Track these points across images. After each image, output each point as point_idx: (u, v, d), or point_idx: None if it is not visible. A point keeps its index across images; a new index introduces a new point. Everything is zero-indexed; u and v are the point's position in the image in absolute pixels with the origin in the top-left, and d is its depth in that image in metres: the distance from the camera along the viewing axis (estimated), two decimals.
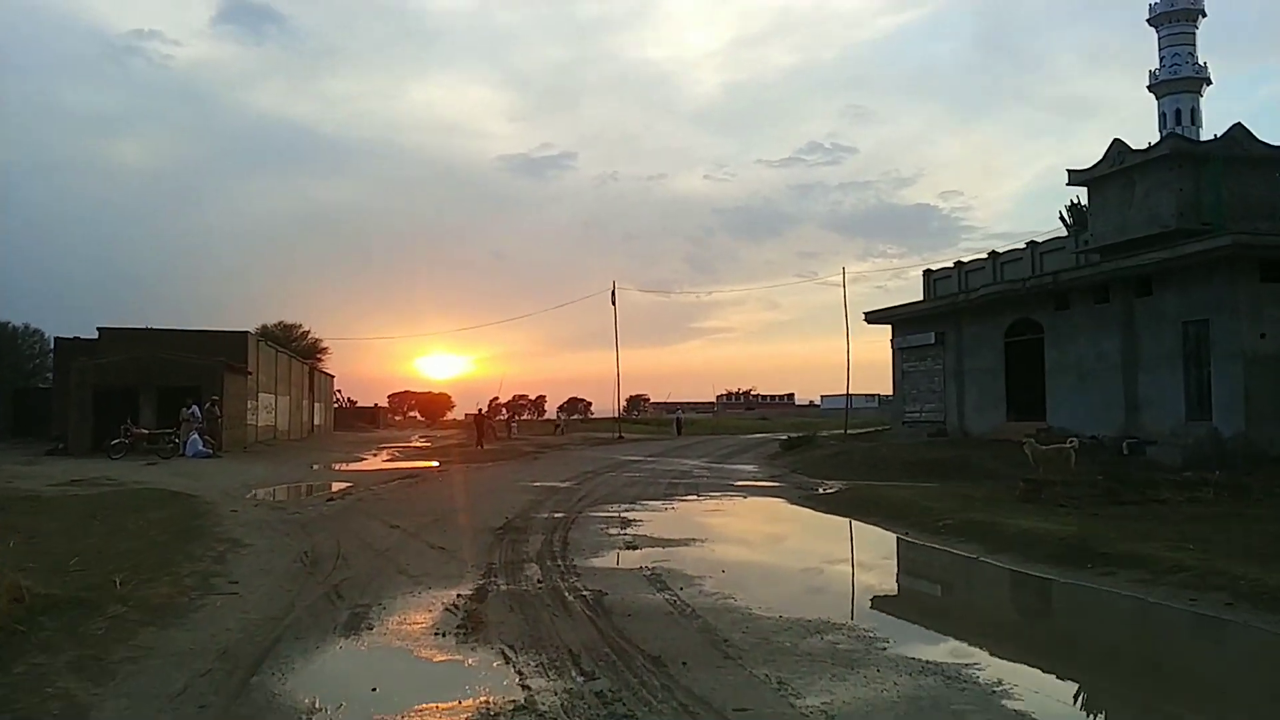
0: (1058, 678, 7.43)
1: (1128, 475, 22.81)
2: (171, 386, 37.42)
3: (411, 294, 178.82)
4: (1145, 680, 7.49)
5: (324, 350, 77.75)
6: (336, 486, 23.94)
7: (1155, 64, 39.03)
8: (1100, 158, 31.35)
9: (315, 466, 34.13)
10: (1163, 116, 37.17)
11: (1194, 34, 39.05)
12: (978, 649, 7.93)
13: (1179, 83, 37.81)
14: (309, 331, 75.94)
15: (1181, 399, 26.44)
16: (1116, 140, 30.96)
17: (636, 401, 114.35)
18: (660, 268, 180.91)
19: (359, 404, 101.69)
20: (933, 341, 37.13)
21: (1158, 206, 29.30)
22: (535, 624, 8.28)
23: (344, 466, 35.61)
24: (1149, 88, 38.90)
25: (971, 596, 11.71)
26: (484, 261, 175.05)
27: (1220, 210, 28.34)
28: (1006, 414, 33.56)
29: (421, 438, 63.23)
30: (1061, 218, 46.11)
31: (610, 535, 14.27)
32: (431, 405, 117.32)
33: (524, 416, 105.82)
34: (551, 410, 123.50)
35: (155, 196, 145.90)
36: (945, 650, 7.77)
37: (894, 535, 14.74)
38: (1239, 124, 28.90)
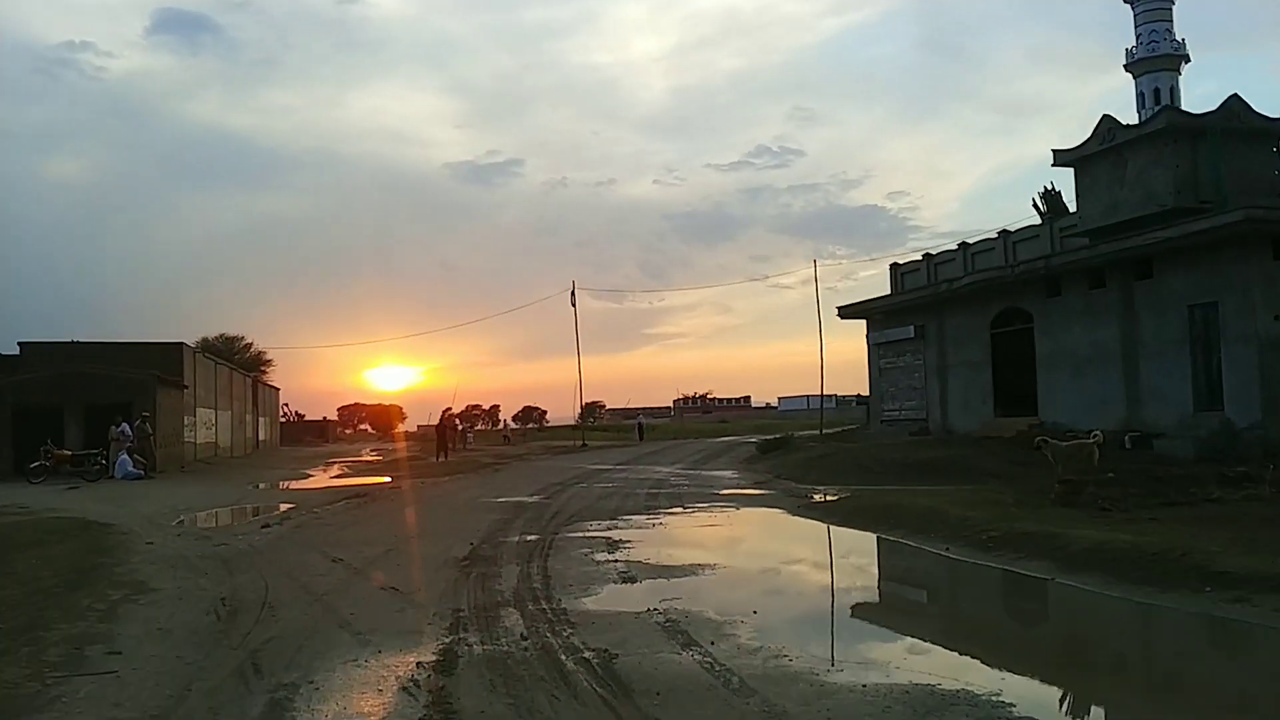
0: None
1: (1146, 472, 20.88)
2: (99, 403, 34.37)
3: (360, 305, 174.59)
4: None
5: (268, 363, 74.32)
6: (275, 509, 21.24)
7: (1131, 41, 37.63)
8: (1088, 136, 29.47)
9: (256, 486, 31.28)
10: (1140, 96, 35.53)
11: (1170, 10, 37.60)
12: None
13: (1158, 60, 36.24)
14: (252, 344, 72.54)
15: (1189, 388, 24.52)
16: (1106, 116, 29.11)
17: (593, 408, 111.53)
18: (612, 274, 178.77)
19: (307, 418, 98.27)
20: (912, 335, 35.06)
21: (1153, 184, 27.42)
22: (530, 714, 5.82)
23: (287, 485, 32.78)
24: (1126, 66, 37.33)
25: (1102, 639, 8.59)
26: (433, 270, 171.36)
27: (1220, 186, 26.54)
28: (994, 409, 31.54)
29: (373, 451, 60.22)
30: (1035, 205, 44.50)
31: (599, 563, 11.80)
32: (382, 417, 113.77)
33: (479, 426, 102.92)
34: (507, 419, 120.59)
35: (92, 212, 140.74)
36: None
37: (934, 552, 12.40)
38: (1235, 95, 27.12)
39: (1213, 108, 27.71)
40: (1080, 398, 28.01)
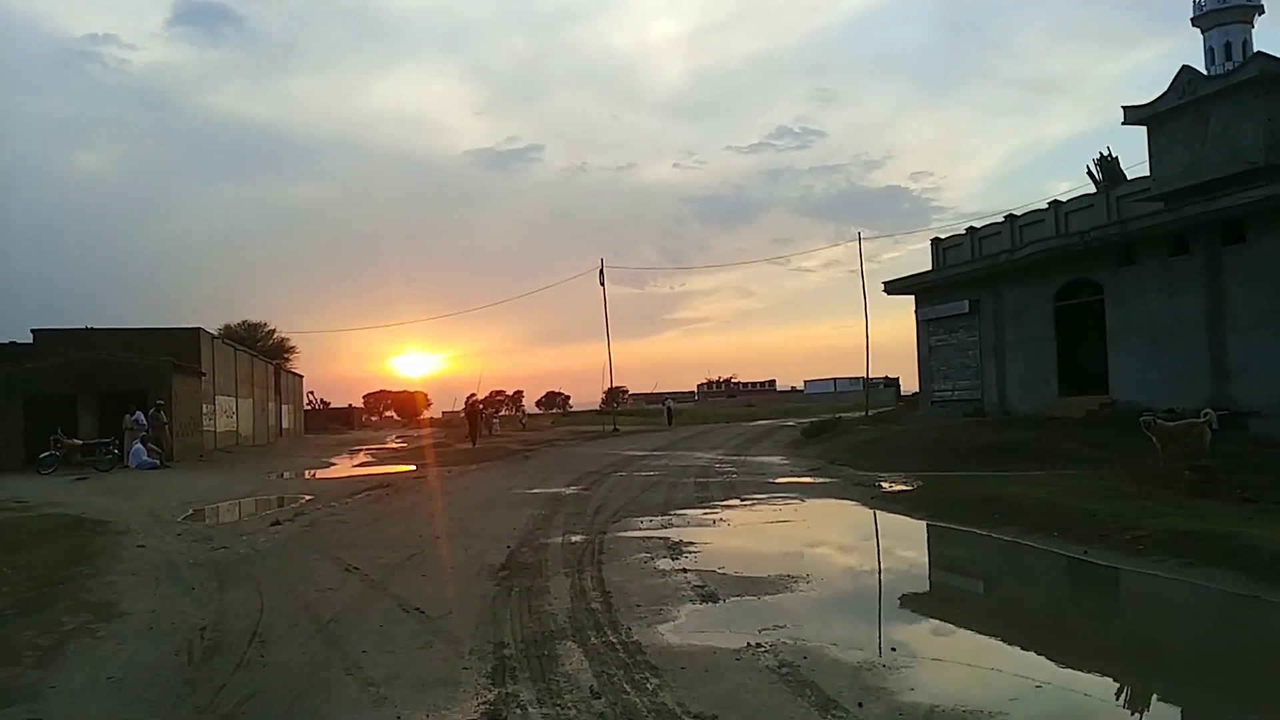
0: None
1: (1245, 455, 18.65)
2: (113, 391, 32.60)
3: (381, 292, 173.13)
4: None
5: (291, 350, 72.62)
6: (290, 502, 19.24)
7: None
8: (1165, 90, 26.94)
9: (274, 476, 29.38)
10: (1209, 51, 32.66)
11: None
12: None
13: (1229, 12, 33.54)
14: (274, 330, 70.74)
15: None
16: (1186, 67, 26.56)
17: (615, 393, 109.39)
18: (632, 259, 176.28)
19: (332, 405, 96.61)
20: (966, 310, 32.66)
21: (1240, 140, 24.86)
22: None
23: (307, 474, 30.88)
24: (1193, 20, 34.55)
25: None
26: (454, 257, 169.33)
27: None
28: (1059, 388, 29.15)
29: (398, 438, 58.37)
30: (1089, 172, 41.67)
31: (664, 573, 9.63)
32: (408, 404, 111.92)
33: (502, 413, 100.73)
34: (521, 405, 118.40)
35: (117, 203, 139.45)
36: None
37: (1073, 557, 10.15)
38: None
39: None
40: (1157, 374, 25.61)
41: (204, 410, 40.01)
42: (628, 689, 5.72)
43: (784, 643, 6.68)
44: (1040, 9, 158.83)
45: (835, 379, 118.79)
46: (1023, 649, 7.13)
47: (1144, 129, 27.57)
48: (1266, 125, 24.27)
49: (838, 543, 12.14)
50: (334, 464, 36.10)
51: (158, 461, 29.26)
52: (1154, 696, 6.11)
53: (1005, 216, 36.52)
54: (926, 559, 11.76)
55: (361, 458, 39.06)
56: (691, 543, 11.50)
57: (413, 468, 29.22)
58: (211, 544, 12.65)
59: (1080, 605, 9.21)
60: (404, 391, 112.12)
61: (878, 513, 14.47)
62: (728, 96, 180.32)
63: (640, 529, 13.00)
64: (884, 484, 17.97)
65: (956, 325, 33.57)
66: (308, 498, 20.24)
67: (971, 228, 38.41)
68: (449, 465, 28.23)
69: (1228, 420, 23.35)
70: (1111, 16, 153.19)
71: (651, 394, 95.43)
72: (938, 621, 7.99)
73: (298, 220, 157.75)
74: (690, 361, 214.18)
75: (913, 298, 36.64)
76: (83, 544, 12.93)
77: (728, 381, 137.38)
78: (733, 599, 8.33)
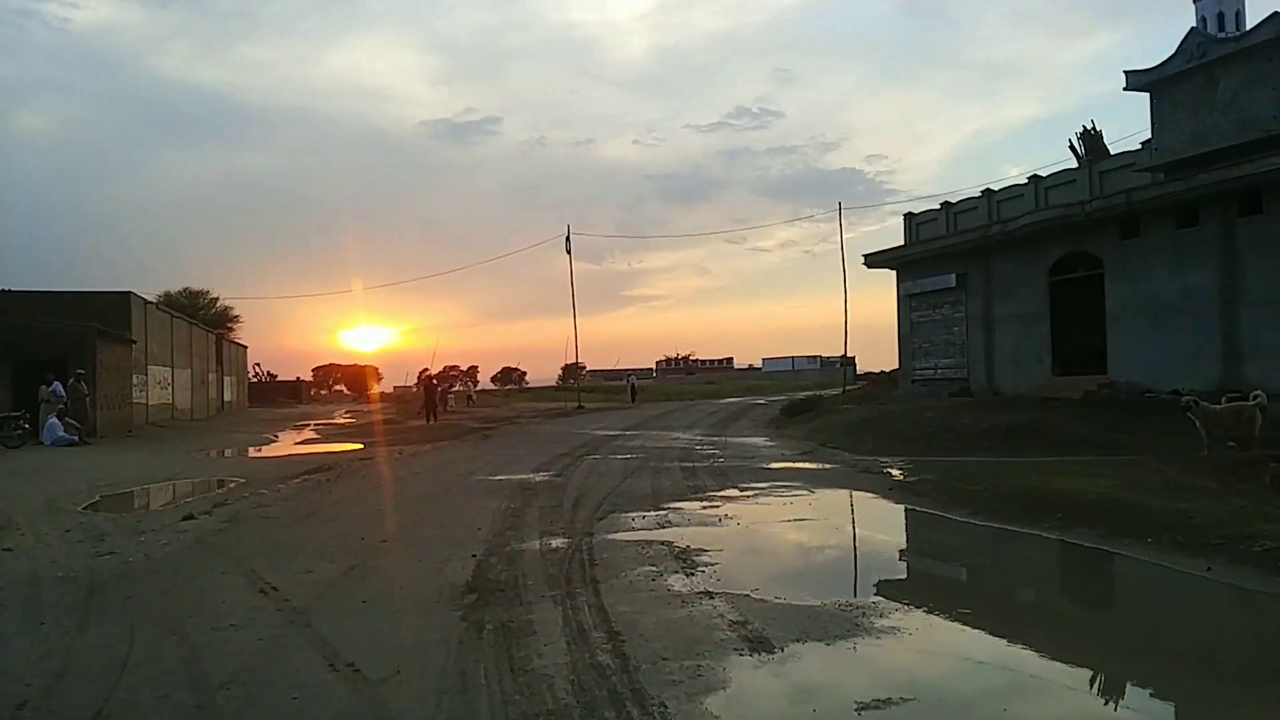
0: None
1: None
2: (30, 360, 29.44)
3: (336, 263, 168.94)
4: None
5: (236, 319, 69.06)
6: (215, 488, 16.57)
7: None
8: (1171, 53, 24.89)
9: (207, 454, 26.55)
10: (1201, 21, 30.72)
11: None
12: None
13: None
14: (218, 299, 67.09)
15: None
16: (1194, 29, 24.53)
17: (572, 369, 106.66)
18: (592, 234, 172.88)
19: (280, 378, 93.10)
20: (953, 285, 30.55)
21: (1251, 107, 22.86)
22: None
23: (243, 453, 28.11)
24: None
25: None
26: (410, 228, 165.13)
27: None
28: (1053, 367, 27.16)
29: (346, 413, 55.37)
30: (1071, 147, 40.02)
31: (683, 600, 7.17)
32: (358, 378, 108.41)
33: (457, 388, 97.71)
34: (485, 380, 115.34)
35: (57, 166, 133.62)
36: None
37: (1196, 576, 7.87)
38: None
39: None
40: (1162, 353, 23.66)
41: (134, 381, 36.85)
42: None
43: None
44: None
45: (793, 357, 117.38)
46: None
47: (1129, 104, 25.52)
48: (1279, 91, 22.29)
49: (882, 551, 9.79)
50: (275, 441, 33.30)
51: (76, 438, 26.23)
52: None
53: (982, 191, 34.36)
54: (1010, 576, 9.22)
55: (305, 434, 36.24)
56: (702, 550, 9.08)
57: (360, 446, 26.54)
58: (100, 546, 10.00)
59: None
60: (355, 365, 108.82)
61: (906, 508, 12.16)
62: (689, 74, 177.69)
63: (633, 529, 10.58)
64: (892, 471, 15.72)
65: (942, 300, 31.48)
66: (236, 482, 17.59)
67: (946, 202, 36.24)
68: (401, 445, 25.59)
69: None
70: (1067, 4, 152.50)
71: (612, 370, 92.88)
72: (1079, 669, 5.63)
73: (248, 189, 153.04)
74: (648, 338, 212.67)
75: (889, 273, 34.57)
76: None
77: (686, 359, 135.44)
78: (792, 644, 5.93)
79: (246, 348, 71.05)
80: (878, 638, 6.14)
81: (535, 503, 12.83)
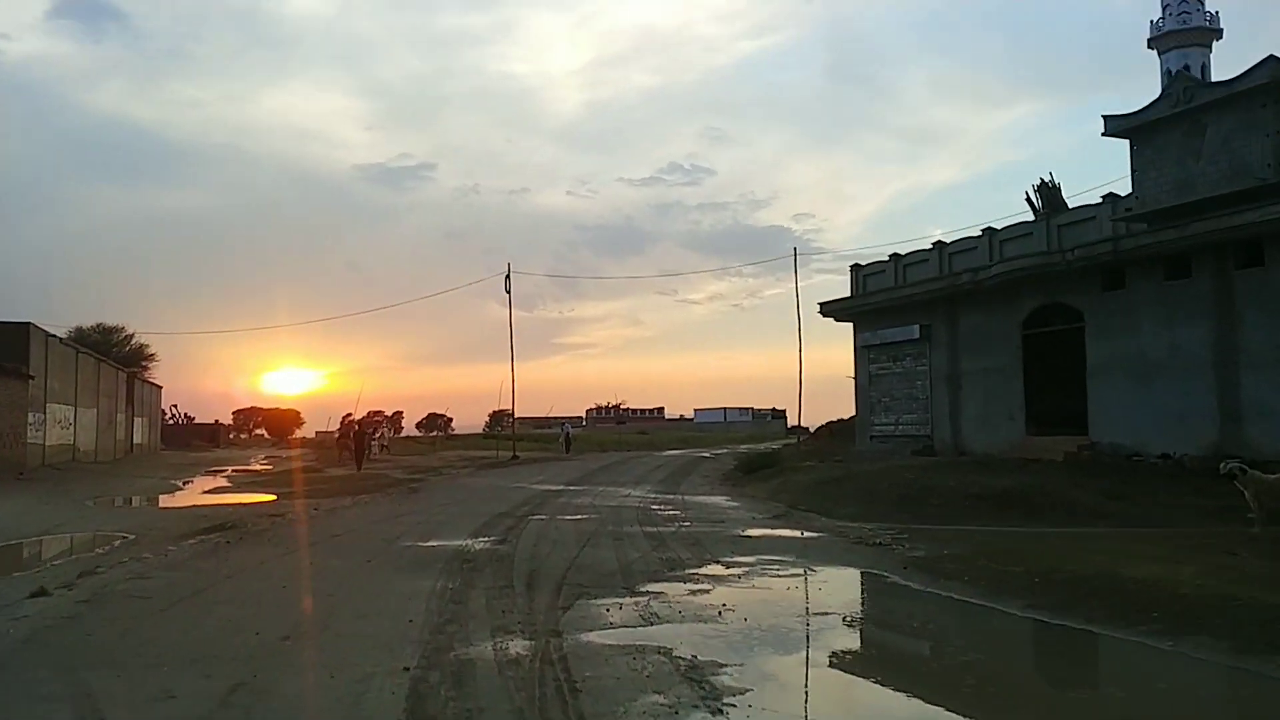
0: None
1: None
2: None
3: (263, 304, 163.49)
4: None
5: (151, 357, 65.05)
6: (92, 549, 13.73)
7: (1157, 14, 32.30)
8: (1154, 98, 23.53)
9: (100, 502, 23.47)
10: (1166, 74, 29.86)
11: None
12: None
13: (1189, 34, 30.86)
14: (133, 335, 63.05)
15: None
16: (1181, 73, 23.35)
17: (500, 417, 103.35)
18: (523, 282, 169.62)
19: (198, 420, 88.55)
20: (916, 336, 28.76)
21: (1244, 154, 21.40)
22: None
23: (144, 502, 25.06)
24: (1150, 41, 31.85)
25: None
26: (340, 272, 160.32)
27: None
28: (1026, 426, 25.36)
29: (265, 459, 51.85)
30: (1028, 198, 38.80)
31: None
32: (280, 422, 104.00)
33: (379, 434, 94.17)
34: (410, 426, 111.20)
35: None
36: None
37: None
38: None
39: None
40: (1149, 413, 21.97)
41: (30, 419, 33.44)
42: None
43: None
44: (923, 63, 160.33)
45: (725, 409, 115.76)
46: None
47: (1111, 147, 24.08)
48: (1275, 138, 20.88)
49: (957, 672, 7.37)
50: (181, 489, 30.13)
51: None
52: None
53: (934, 244, 32.77)
54: (1167, 710, 6.48)
55: (216, 482, 33.04)
56: (718, 667, 6.67)
57: (273, 499, 23.64)
58: None
59: None
60: (276, 409, 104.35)
61: (942, 596, 9.83)
62: (622, 129, 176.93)
63: (611, 624, 8.16)
64: (888, 542, 13.50)
65: (903, 352, 29.66)
66: (122, 539, 14.81)
67: (896, 254, 34.59)
68: (319, 497, 22.74)
69: (1242, 470, 19.77)
70: (987, 76, 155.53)
71: (543, 418, 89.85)
72: None
73: (176, 227, 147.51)
74: (578, 386, 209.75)
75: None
76: None
77: (617, 408, 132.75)
78: None
79: (161, 388, 67.16)
80: None
81: (479, 581, 10.31)
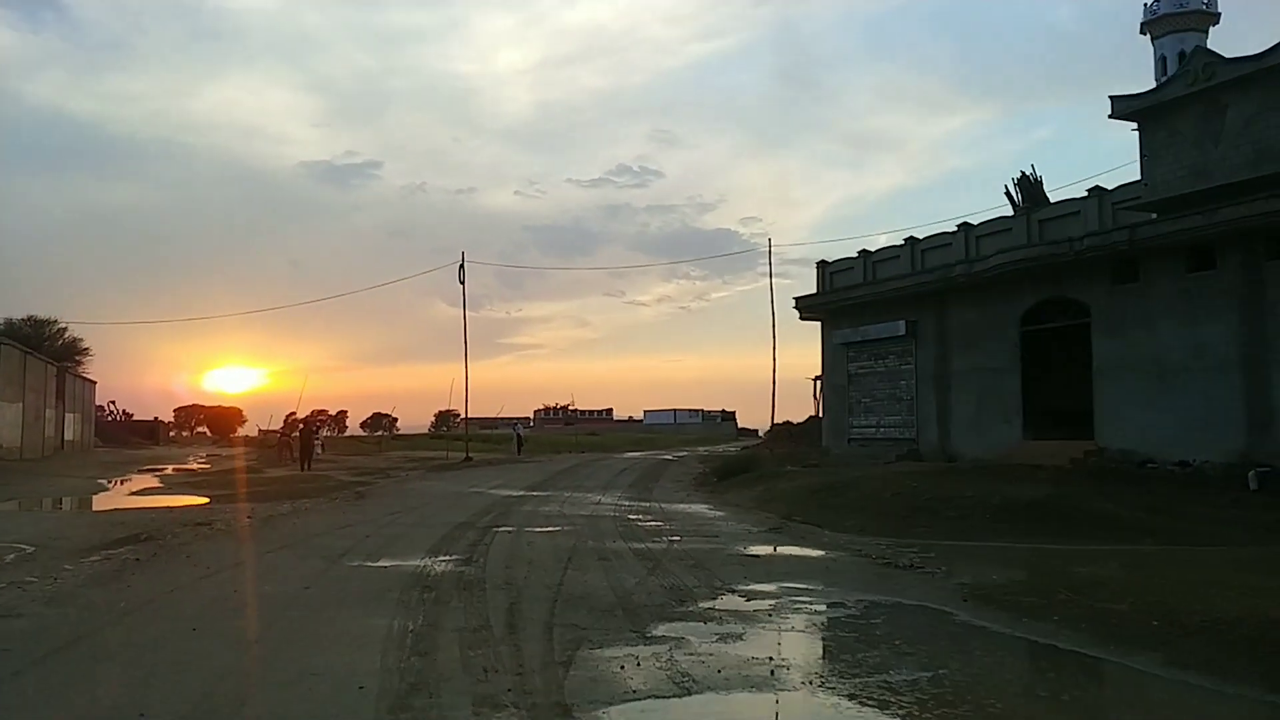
0: None
1: None
2: None
3: (204, 300, 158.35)
4: None
5: (85, 351, 61.44)
6: None
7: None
8: (1166, 77, 21.80)
9: (10, 505, 20.75)
10: (1161, 61, 28.28)
11: None
12: None
13: (1186, 17, 29.39)
14: (65, 329, 59.42)
15: None
16: (1200, 49, 21.60)
17: (446, 417, 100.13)
18: (470, 282, 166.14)
19: (136, 417, 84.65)
20: (902, 333, 26.85)
21: (1270, 137, 19.76)
22: None
23: (63, 504, 22.41)
24: (1143, 26, 30.34)
25: None
26: (283, 269, 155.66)
27: None
28: (1023, 430, 23.52)
29: (203, 457, 48.82)
30: (1007, 193, 37.23)
31: None
32: (221, 420, 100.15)
33: (323, 433, 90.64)
34: (354, 426, 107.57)
35: None
36: None
37: None
38: None
39: None
40: (1164, 417, 20.22)
41: None
42: None
43: None
44: (870, 70, 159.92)
45: (675, 410, 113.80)
46: None
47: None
48: None
49: None
50: (108, 489, 27.40)
51: None
52: None
53: (906, 239, 30.99)
54: None
55: (148, 481, 30.26)
56: None
57: (206, 501, 21.08)
58: None
59: None
60: (218, 407, 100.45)
61: (1039, 643, 7.69)
62: (571, 130, 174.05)
63: (635, 694, 5.92)
64: (919, 563, 11.43)
65: (887, 350, 27.76)
66: (16, 553, 12.31)
67: (865, 250, 32.80)
68: (256, 501, 20.21)
69: (1271, 478, 18.08)
70: (930, 83, 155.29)
71: (491, 419, 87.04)
72: None
73: (117, 222, 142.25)
74: (525, 387, 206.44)
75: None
76: None
77: (565, 408, 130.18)
78: None
79: (95, 383, 63.58)
80: None
81: (445, 620, 8.02)
